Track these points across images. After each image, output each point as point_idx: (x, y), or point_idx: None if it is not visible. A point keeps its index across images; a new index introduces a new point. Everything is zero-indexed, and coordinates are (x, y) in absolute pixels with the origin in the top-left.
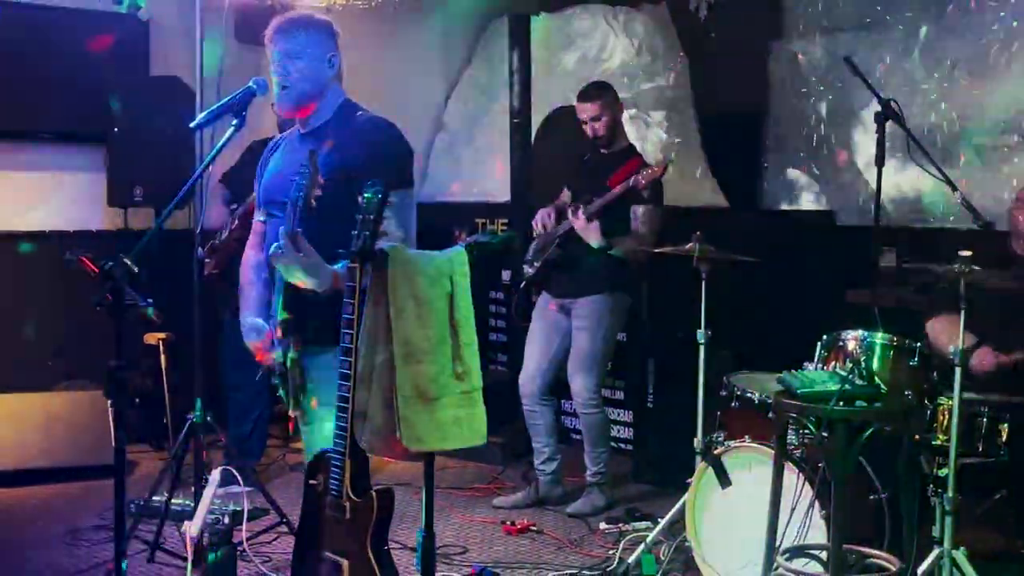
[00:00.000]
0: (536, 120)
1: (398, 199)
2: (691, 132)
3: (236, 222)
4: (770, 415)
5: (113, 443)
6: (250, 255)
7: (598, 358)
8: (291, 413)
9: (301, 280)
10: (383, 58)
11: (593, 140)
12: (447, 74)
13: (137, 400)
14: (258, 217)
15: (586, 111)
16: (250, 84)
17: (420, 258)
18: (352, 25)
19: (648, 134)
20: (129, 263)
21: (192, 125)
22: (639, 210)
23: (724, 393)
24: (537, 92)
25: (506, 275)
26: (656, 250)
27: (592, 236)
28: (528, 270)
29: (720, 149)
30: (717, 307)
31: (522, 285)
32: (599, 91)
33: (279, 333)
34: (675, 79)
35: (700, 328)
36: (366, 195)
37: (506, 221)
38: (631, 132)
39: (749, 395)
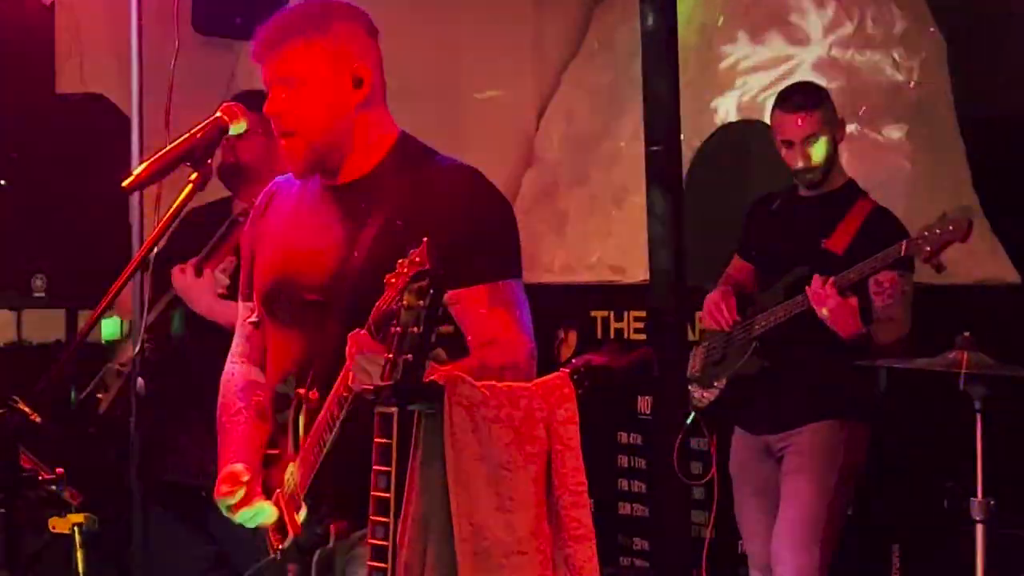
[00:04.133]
0: (690, 146)
1: (511, 293)
2: (953, 158)
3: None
4: None
5: None
6: (235, 372)
7: (825, 523)
8: None
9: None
10: (436, 51)
11: (798, 173)
12: (540, 74)
13: None
14: (248, 316)
15: (794, 127)
16: (220, 116)
17: (497, 395)
18: (385, 5)
19: (878, 162)
20: (26, 408)
21: (126, 185)
22: (884, 278)
23: None
24: (689, 100)
25: (644, 404)
26: (899, 364)
27: (847, 321)
28: (700, 395)
29: (1005, 185)
30: (1004, 456)
31: (689, 420)
32: (815, 96)
33: (301, 513)
34: (923, 72)
35: (976, 492)
36: (409, 289)
37: (643, 315)
38: (849, 159)
39: None
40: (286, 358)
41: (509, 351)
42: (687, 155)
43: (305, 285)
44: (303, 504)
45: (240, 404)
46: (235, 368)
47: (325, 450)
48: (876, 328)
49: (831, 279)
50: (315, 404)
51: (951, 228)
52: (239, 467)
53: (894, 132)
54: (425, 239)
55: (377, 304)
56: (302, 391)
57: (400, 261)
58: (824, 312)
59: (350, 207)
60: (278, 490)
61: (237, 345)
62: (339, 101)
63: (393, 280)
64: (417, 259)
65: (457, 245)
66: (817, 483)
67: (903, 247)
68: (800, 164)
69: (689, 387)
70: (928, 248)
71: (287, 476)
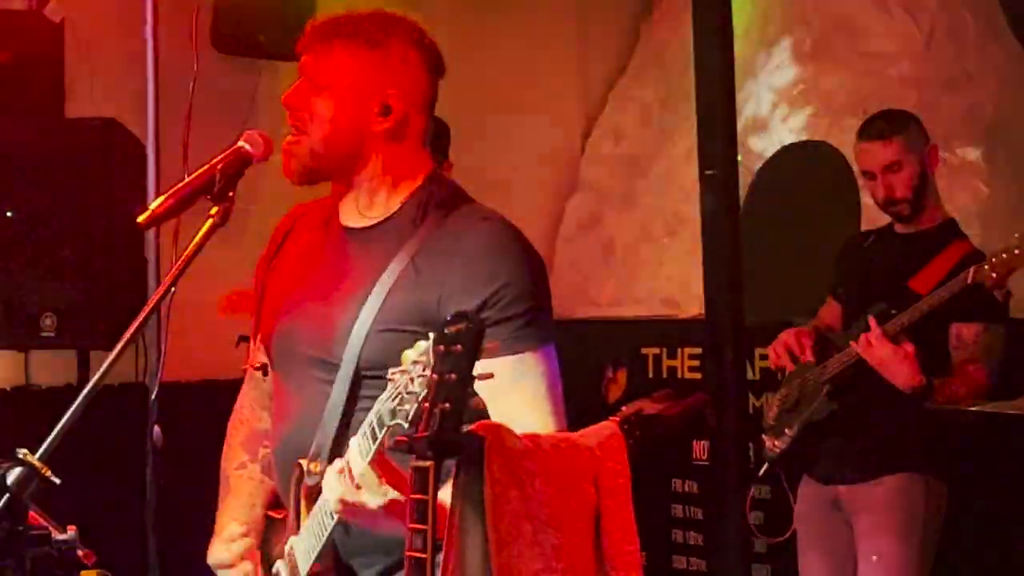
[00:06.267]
0: (749, 170)
1: (537, 364)
2: None
3: None
4: None
5: None
6: (242, 419)
7: None
8: None
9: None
10: (475, 69)
11: (882, 207)
12: (586, 92)
13: None
14: (257, 360)
15: (877, 156)
16: (241, 145)
17: (542, 447)
18: (421, 20)
19: (954, 186)
20: (36, 463)
21: (142, 220)
22: (967, 332)
23: None
24: (747, 119)
25: (701, 449)
26: (978, 407)
27: (902, 372)
28: (771, 444)
29: None
30: None
31: (762, 471)
32: (896, 123)
33: None
34: (1000, 87)
35: None
36: (445, 332)
37: (698, 352)
38: None
39: None
40: (290, 418)
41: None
42: (745, 179)
43: (311, 341)
44: None
45: (245, 457)
46: (243, 414)
47: (326, 536)
48: (950, 384)
49: (874, 324)
50: (318, 477)
51: (1016, 251)
52: (237, 528)
53: (970, 153)
54: (432, 335)
55: (379, 399)
56: (304, 461)
57: (406, 353)
58: (874, 359)
59: (367, 255)
60: (279, 561)
61: (245, 388)
62: (357, 120)
63: (395, 377)
64: (423, 358)
65: (482, 309)
66: (900, 544)
67: (970, 274)
68: (881, 196)
69: (763, 436)
70: (994, 274)
71: (286, 550)
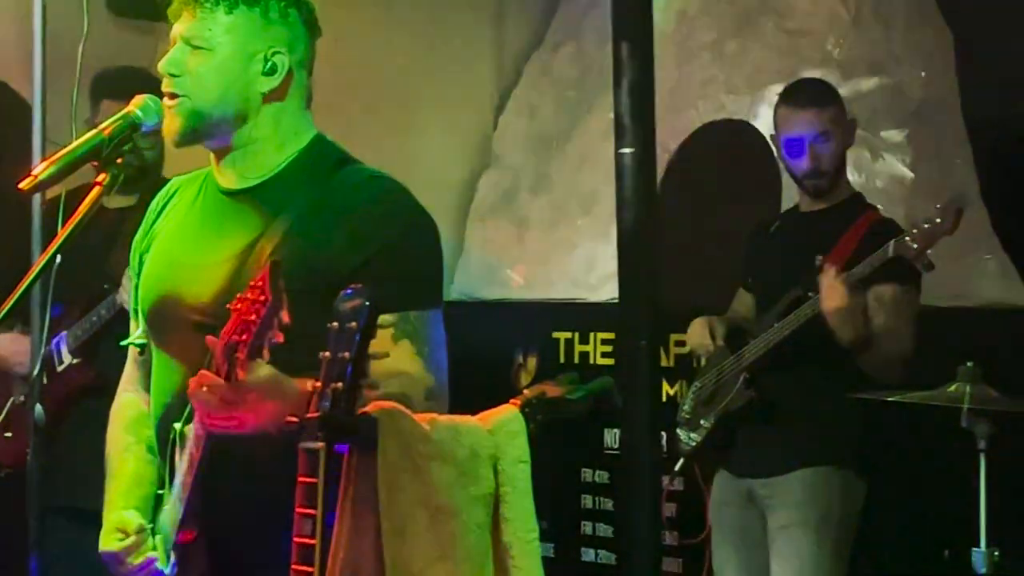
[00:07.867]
0: (666, 149)
1: (421, 326)
2: (959, 165)
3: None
4: None
5: None
6: (124, 402)
7: None
8: None
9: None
10: (381, 37)
11: (804, 177)
12: (499, 64)
13: None
14: (134, 338)
15: (804, 124)
16: (131, 110)
17: (438, 430)
18: None
19: (875, 171)
20: None
21: (24, 186)
22: (885, 293)
23: None
24: (665, 97)
25: (612, 437)
26: (894, 398)
27: (850, 320)
28: (686, 437)
29: (1018, 196)
30: (1010, 502)
31: (678, 467)
32: (828, 93)
33: (169, 564)
34: (927, 72)
35: (979, 543)
36: (339, 309)
37: (611, 338)
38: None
39: None
40: (167, 386)
41: (406, 386)
42: (663, 159)
43: (189, 304)
44: (171, 553)
45: (130, 439)
46: (126, 397)
47: (187, 493)
48: (883, 342)
49: (833, 272)
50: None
51: (938, 220)
52: (130, 514)
53: (894, 135)
54: (272, 260)
55: (224, 332)
56: (177, 425)
57: (252, 285)
58: (832, 306)
59: (247, 215)
60: (154, 538)
61: (128, 369)
62: (241, 80)
63: (238, 306)
64: (259, 283)
65: (366, 265)
66: (815, 540)
67: (890, 247)
68: (807, 166)
69: (677, 430)
70: (916, 245)
71: (161, 519)
